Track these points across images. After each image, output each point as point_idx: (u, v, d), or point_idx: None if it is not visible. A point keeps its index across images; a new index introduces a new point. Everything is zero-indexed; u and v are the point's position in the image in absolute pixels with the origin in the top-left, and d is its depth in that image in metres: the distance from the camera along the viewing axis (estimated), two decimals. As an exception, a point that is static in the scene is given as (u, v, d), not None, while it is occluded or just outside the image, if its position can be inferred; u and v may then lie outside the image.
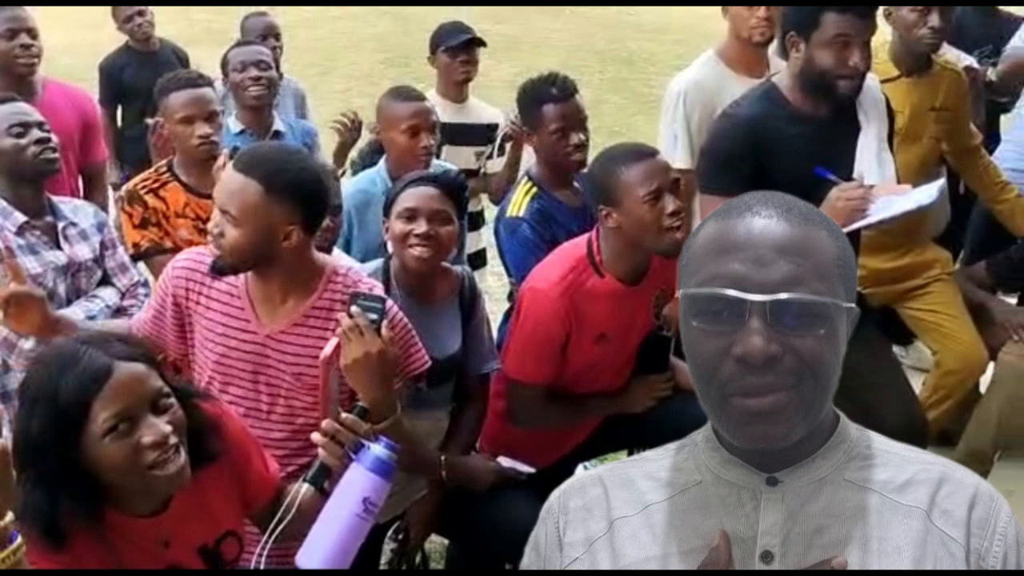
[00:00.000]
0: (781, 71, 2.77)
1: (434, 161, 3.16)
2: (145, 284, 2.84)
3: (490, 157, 3.87)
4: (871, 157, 2.70)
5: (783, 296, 1.00)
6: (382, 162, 3.16)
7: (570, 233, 2.76)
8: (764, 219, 1.04)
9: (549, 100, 2.96)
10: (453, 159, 3.55)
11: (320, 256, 2.14)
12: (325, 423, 1.80)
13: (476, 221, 3.88)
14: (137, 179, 3.00)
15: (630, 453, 2.93)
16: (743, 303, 1.00)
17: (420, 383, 2.30)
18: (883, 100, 2.78)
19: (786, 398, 1.01)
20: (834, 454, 1.10)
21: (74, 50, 8.11)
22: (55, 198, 2.78)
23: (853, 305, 1.07)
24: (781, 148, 2.58)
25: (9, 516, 1.25)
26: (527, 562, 1.22)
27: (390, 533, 2.54)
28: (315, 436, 1.80)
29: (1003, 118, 4.30)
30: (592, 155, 2.73)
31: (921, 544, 1.04)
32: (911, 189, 2.71)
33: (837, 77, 2.56)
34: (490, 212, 3.80)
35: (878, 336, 2.99)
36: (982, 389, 3.24)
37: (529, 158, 3.26)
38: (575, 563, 1.15)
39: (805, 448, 1.09)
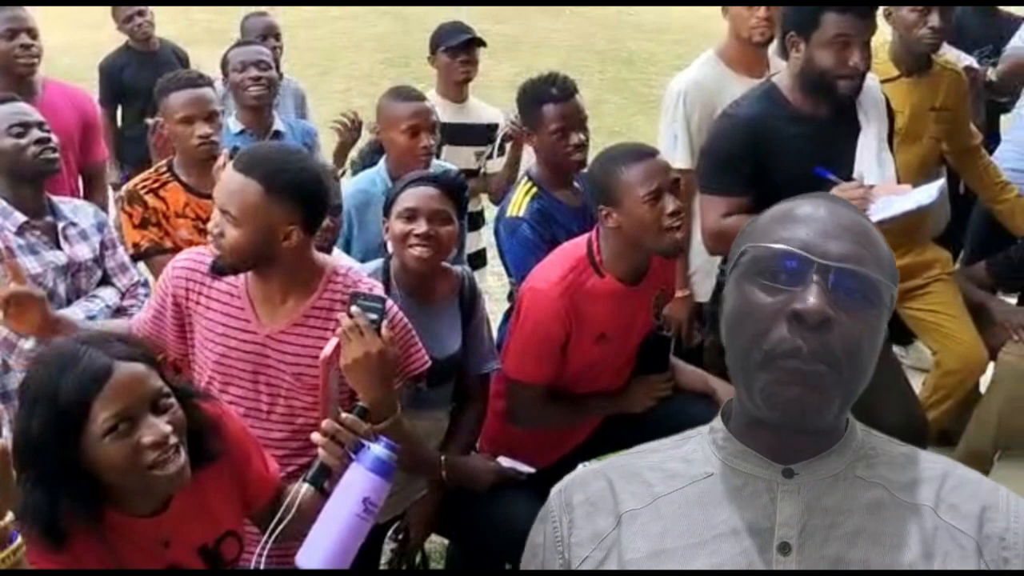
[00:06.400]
0: (781, 71, 2.78)
1: (434, 161, 3.16)
2: (145, 284, 2.84)
3: (490, 157, 3.88)
4: (871, 157, 2.71)
5: (848, 266, 1.03)
6: (382, 162, 3.16)
7: (570, 233, 2.76)
8: (829, 203, 1.10)
9: (549, 100, 2.96)
10: (453, 159, 3.55)
11: (320, 256, 2.14)
12: (325, 423, 1.80)
13: (476, 221, 3.88)
14: (137, 179, 3.00)
15: (630, 453, 2.93)
16: (809, 265, 1.03)
17: (420, 383, 2.30)
18: (883, 100, 2.78)
19: (826, 373, 1.03)
20: (846, 451, 1.11)
21: (74, 50, 8.11)
22: (55, 198, 2.78)
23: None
24: (781, 148, 2.58)
25: (9, 516, 1.25)
26: (524, 564, 1.21)
27: (390, 533, 2.54)
28: (315, 436, 1.80)
29: (1003, 118, 4.30)
30: (592, 155, 2.73)
31: (930, 539, 1.05)
32: (911, 189, 2.72)
33: (837, 77, 2.56)
34: (490, 212, 3.80)
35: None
36: (982, 389, 3.24)
37: (529, 158, 3.26)
38: (585, 562, 1.13)
39: (820, 444, 1.10)
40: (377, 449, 1.73)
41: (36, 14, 3.56)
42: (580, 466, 2.96)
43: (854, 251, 1.05)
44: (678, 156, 3.13)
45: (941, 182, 2.91)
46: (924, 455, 1.15)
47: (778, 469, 1.09)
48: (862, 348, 1.04)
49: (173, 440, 1.52)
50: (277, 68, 3.87)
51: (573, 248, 2.55)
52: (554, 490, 1.20)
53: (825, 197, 1.13)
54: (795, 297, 1.03)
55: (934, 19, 3.10)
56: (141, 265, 2.92)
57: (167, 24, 5.60)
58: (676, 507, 1.11)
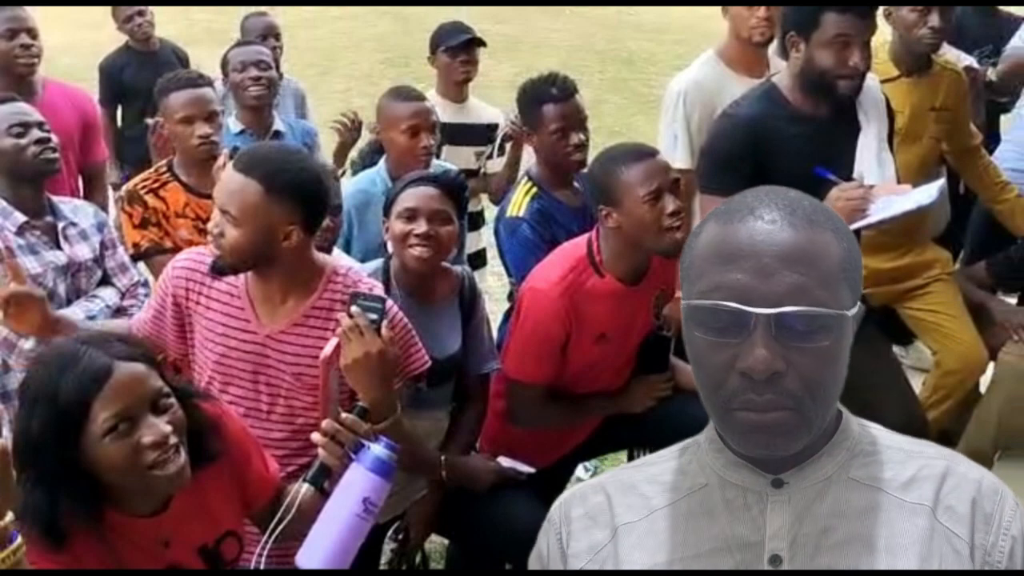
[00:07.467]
0: (781, 71, 2.77)
1: (434, 161, 3.16)
2: (145, 284, 2.84)
3: (490, 157, 3.88)
4: (871, 157, 2.70)
5: (788, 309, 0.98)
6: (382, 162, 3.16)
7: (570, 233, 2.76)
8: (767, 224, 1.02)
9: (549, 100, 2.97)
10: (453, 159, 3.55)
11: (320, 256, 2.14)
12: (325, 423, 1.80)
13: (476, 221, 3.88)
14: (137, 179, 3.00)
15: (630, 453, 2.93)
16: (747, 316, 0.98)
17: (420, 383, 2.30)
18: (883, 100, 2.78)
19: (787, 416, 1.01)
20: (838, 452, 1.10)
21: (74, 50, 8.11)
22: (55, 198, 2.78)
23: (858, 307, 1.06)
24: (781, 148, 2.58)
25: (9, 516, 1.25)
26: (530, 567, 1.21)
27: (390, 533, 2.54)
28: (315, 436, 1.80)
29: (1003, 118, 4.29)
30: (592, 155, 2.73)
31: (927, 542, 1.04)
32: (911, 189, 2.71)
33: (837, 77, 2.56)
34: (490, 212, 3.80)
35: (878, 336, 2.99)
36: (982, 389, 3.24)
37: (529, 158, 3.26)
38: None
39: (810, 448, 1.08)
40: (377, 449, 1.73)
41: (36, 14, 3.56)
42: (580, 467, 2.98)
43: (796, 283, 0.99)
44: (678, 156, 3.13)
45: (941, 182, 2.91)
46: (926, 449, 1.14)
47: (768, 479, 1.08)
48: (823, 378, 1.02)
49: (173, 440, 1.52)
50: (277, 68, 3.87)
51: (573, 248, 2.55)
52: (555, 503, 1.21)
53: (758, 211, 1.03)
54: (741, 351, 0.99)
55: (934, 19, 3.09)
56: (141, 265, 2.92)
57: (167, 24, 5.60)
58: (671, 520, 1.11)
